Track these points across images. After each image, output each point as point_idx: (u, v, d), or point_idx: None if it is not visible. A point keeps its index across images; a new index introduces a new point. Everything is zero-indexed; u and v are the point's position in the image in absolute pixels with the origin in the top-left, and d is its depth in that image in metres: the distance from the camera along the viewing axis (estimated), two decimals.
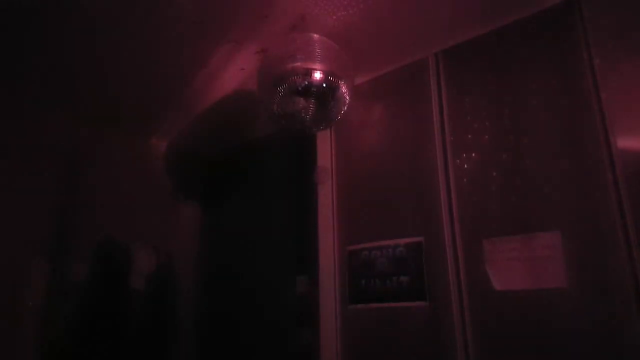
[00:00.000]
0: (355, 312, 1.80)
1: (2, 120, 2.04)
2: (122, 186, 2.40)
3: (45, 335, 2.04)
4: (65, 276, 2.16)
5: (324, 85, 1.55)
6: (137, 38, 1.73)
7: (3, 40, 1.69)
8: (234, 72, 1.97)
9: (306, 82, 1.53)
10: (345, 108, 1.67)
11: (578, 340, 1.31)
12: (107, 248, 2.32)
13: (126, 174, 2.45)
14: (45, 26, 1.63)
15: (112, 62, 1.88)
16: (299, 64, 1.52)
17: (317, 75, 1.53)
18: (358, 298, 1.80)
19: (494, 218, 1.53)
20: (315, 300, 1.94)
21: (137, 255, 2.43)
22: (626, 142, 1.34)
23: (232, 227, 2.64)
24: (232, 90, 2.13)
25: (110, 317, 2.26)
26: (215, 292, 2.56)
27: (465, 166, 1.64)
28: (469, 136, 1.66)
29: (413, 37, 1.75)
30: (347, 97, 1.63)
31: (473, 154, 1.64)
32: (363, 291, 1.79)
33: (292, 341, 2.15)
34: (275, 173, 2.48)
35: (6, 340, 1.91)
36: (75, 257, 2.20)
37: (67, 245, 2.18)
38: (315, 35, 1.58)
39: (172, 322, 2.52)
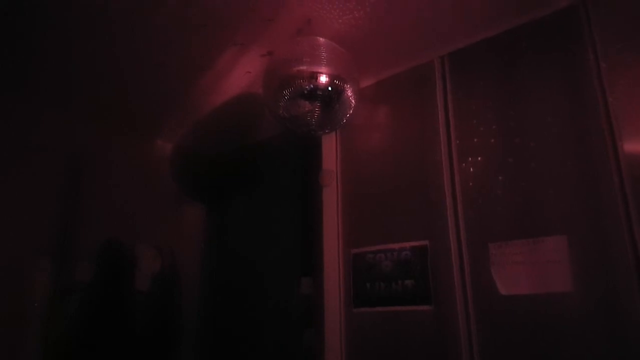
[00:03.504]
0: (360, 315, 1.80)
1: (6, 122, 2.05)
2: (127, 187, 2.41)
3: (49, 335, 2.04)
4: (69, 277, 2.16)
5: (330, 88, 1.55)
6: (143, 40, 1.74)
7: (7, 43, 1.70)
8: (239, 75, 1.98)
9: (312, 86, 1.54)
10: (351, 111, 1.67)
11: (584, 345, 1.30)
12: (112, 249, 2.33)
13: (131, 175, 2.45)
14: (51, 28, 1.64)
15: (117, 64, 1.89)
16: (304, 67, 1.52)
17: (323, 78, 1.53)
18: (363, 301, 1.80)
19: (499, 222, 1.53)
20: (319, 301, 1.94)
21: (141, 256, 2.44)
22: (633, 146, 1.33)
23: (236, 229, 2.64)
24: (237, 93, 2.13)
25: (114, 317, 2.27)
26: (219, 293, 2.57)
27: (471, 170, 1.64)
28: (475, 139, 1.65)
29: (419, 40, 1.75)
30: (353, 101, 1.64)
31: (479, 158, 1.63)
32: (368, 294, 1.79)
33: (296, 342, 2.15)
34: (280, 175, 2.48)
35: (10, 340, 1.92)
36: (80, 258, 2.21)
37: (71, 246, 2.19)
38: (321, 39, 1.59)
39: (176, 322, 2.53)
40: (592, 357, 1.28)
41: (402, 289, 1.70)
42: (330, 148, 2.10)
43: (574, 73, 1.48)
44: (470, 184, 1.63)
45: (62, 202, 2.20)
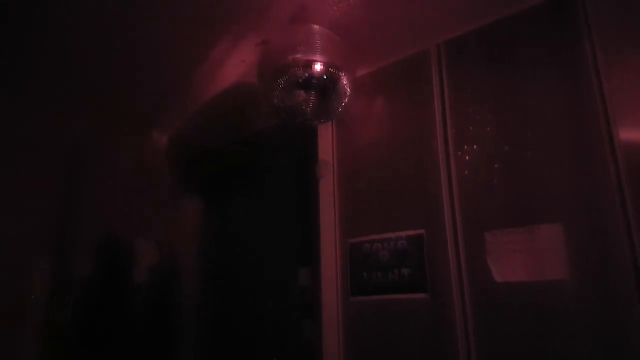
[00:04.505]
0: (357, 304, 1.81)
1: (3, 118, 2.04)
2: (124, 180, 2.41)
3: (48, 329, 2.05)
4: (68, 272, 2.17)
5: (325, 77, 1.55)
6: (136, 31, 1.72)
7: (3, 37, 1.69)
8: (234, 64, 1.96)
9: (307, 74, 1.53)
10: (347, 100, 1.66)
11: (579, 332, 1.31)
12: (110, 242, 2.33)
13: (127, 168, 2.45)
14: (45, 22, 1.63)
15: (111, 57, 1.87)
16: (299, 55, 1.51)
17: (318, 67, 1.52)
18: (359, 290, 1.81)
19: (495, 210, 1.53)
20: (317, 292, 1.94)
21: (139, 249, 2.44)
22: (629, 134, 1.33)
23: (233, 220, 2.64)
24: (233, 82, 2.12)
25: (113, 310, 2.27)
26: (218, 285, 2.57)
27: (467, 158, 1.64)
28: (471, 128, 1.65)
29: (415, 28, 1.74)
30: (348, 89, 1.63)
31: (475, 146, 1.63)
32: (364, 283, 1.79)
33: (295, 333, 2.16)
34: (276, 166, 2.48)
35: (10, 335, 1.93)
36: (78, 252, 2.21)
37: (69, 240, 2.19)
38: (316, 27, 1.57)
39: (175, 314, 2.54)
40: (587, 344, 1.29)
41: (399, 277, 1.71)
42: (326, 138, 2.09)
43: (571, 61, 1.48)
44: (466, 172, 1.63)
45: (60, 198, 2.19)
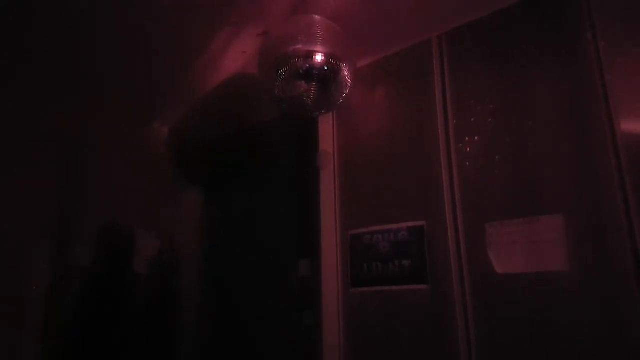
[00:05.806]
0: (357, 295, 1.81)
1: (5, 107, 2.03)
2: (125, 171, 2.41)
3: (50, 318, 2.06)
4: (69, 261, 2.17)
5: (326, 68, 1.54)
6: (136, 22, 1.71)
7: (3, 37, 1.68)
8: (235, 55, 1.95)
9: (308, 65, 1.52)
10: (347, 91, 1.65)
11: (580, 323, 1.31)
12: (111, 233, 2.33)
13: (129, 159, 2.45)
14: (44, 12, 1.62)
15: (112, 48, 1.86)
16: (300, 46, 1.50)
17: (319, 57, 1.51)
18: (360, 281, 1.81)
19: (496, 202, 1.53)
20: (317, 283, 1.95)
21: (140, 239, 2.44)
22: (630, 125, 1.32)
23: (234, 212, 2.64)
24: (233, 74, 2.11)
25: (114, 300, 2.28)
26: (218, 276, 2.58)
27: (468, 150, 1.63)
28: (472, 119, 1.65)
29: (416, 18, 1.72)
30: (349, 80, 1.62)
31: (476, 138, 1.63)
32: (365, 275, 1.80)
33: (294, 324, 2.17)
34: (277, 157, 2.47)
35: (12, 323, 1.94)
36: (79, 242, 2.22)
37: (71, 230, 2.20)
38: (317, 17, 1.56)
39: (175, 305, 2.55)
40: (588, 335, 1.30)
41: (399, 269, 1.71)
42: (327, 129, 2.09)
43: (572, 51, 1.47)
44: (467, 164, 1.62)
45: (62, 188, 2.20)
